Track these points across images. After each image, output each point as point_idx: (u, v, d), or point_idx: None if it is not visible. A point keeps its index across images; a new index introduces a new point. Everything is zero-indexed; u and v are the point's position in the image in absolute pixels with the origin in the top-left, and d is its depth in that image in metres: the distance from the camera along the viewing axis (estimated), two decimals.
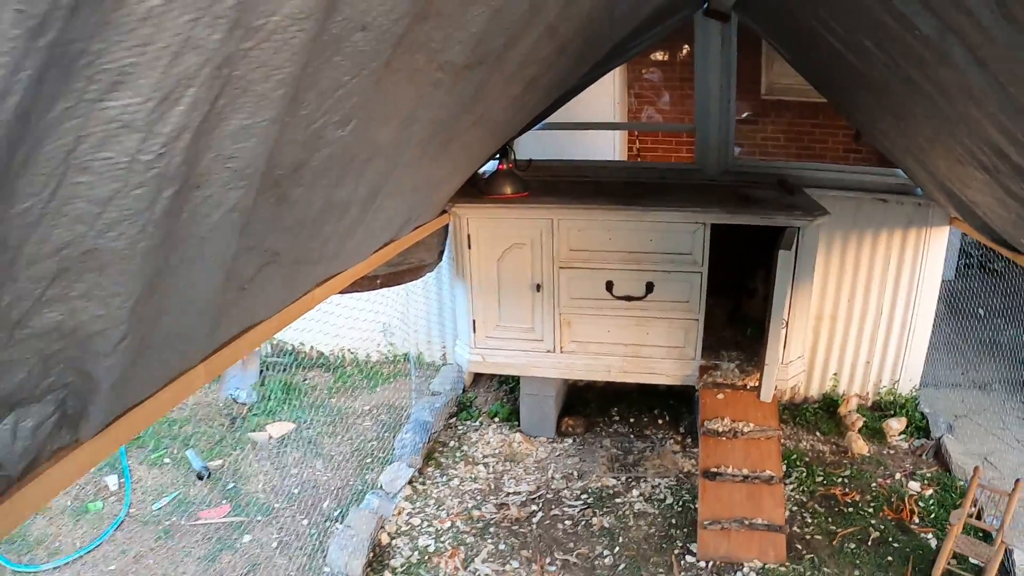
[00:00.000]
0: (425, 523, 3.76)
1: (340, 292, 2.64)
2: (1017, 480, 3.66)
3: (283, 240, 1.71)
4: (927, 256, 4.58)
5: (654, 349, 4.11)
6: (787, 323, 3.96)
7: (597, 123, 6.45)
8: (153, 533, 3.76)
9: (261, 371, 5.08)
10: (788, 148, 7.04)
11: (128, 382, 1.37)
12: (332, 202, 1.86)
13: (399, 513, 3.82)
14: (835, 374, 4.83)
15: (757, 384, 4.05)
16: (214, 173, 1.16)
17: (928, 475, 4.21)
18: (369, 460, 4.29)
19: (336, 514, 3.87)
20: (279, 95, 1.14)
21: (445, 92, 1.99)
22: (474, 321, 4.19)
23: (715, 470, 3.79)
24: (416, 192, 2.90)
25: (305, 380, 5.12)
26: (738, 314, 4.54)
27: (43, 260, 0.97)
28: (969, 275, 6.06)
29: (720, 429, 3.91)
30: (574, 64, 3.30)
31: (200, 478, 4.15)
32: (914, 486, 4.12)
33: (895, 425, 4.48)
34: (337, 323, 5.24)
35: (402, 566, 3.48)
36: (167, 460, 4.35)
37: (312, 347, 5.36)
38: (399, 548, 3.59)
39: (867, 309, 4.69)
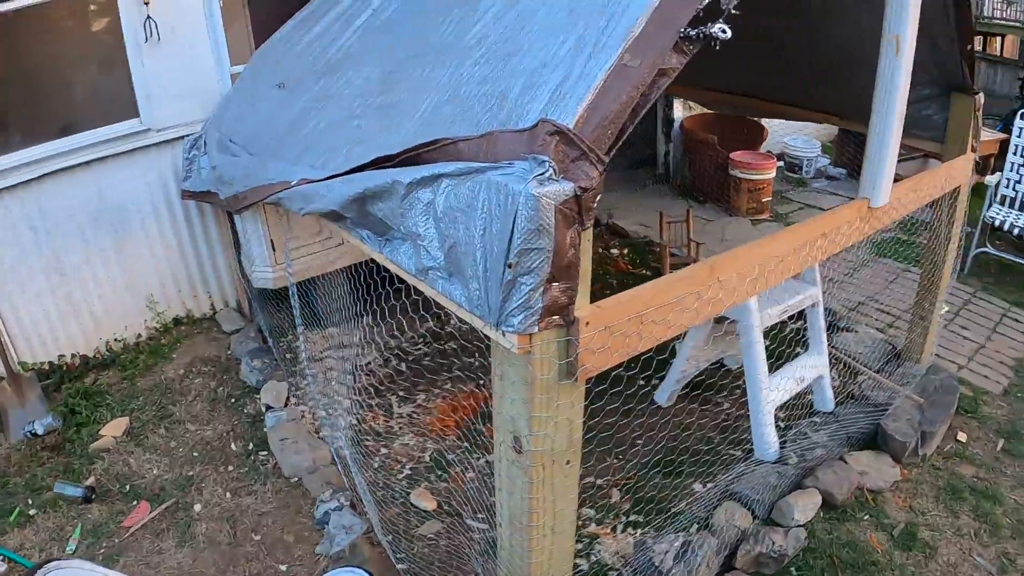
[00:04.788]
0: (331, 409, 4.44)
1: None
2: (688, 209, 5.72)
3: None
4: None
5: None
6: None
7: None
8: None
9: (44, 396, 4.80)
10: None
11: None
12: None
13: (302, 417, 4.44)
14: None
15: None
16: None
17: (616, 243, 6.18)
18: (233, 400, 4.66)
19: (250, 448, 4.31)
20: None
21: None
22: (272, 241, 4.72)
23: None
24: None
25: (96, 382, 4.97)
26: None
27: None
28: None
29: None
30: None
31: (88, 500, 3.99)
32: (615, 252, 6.04)
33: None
34: (88, 319, 5.13)
35: (350, 440, 4.13)
36: (32, 512, 3.99)
37: (73, 354, 5.13)
38: (329, 436, 4.25)
39: None
